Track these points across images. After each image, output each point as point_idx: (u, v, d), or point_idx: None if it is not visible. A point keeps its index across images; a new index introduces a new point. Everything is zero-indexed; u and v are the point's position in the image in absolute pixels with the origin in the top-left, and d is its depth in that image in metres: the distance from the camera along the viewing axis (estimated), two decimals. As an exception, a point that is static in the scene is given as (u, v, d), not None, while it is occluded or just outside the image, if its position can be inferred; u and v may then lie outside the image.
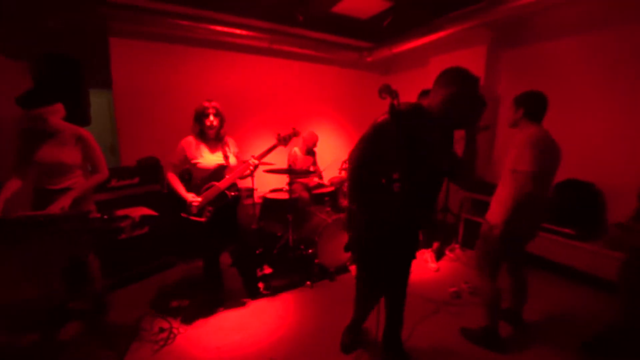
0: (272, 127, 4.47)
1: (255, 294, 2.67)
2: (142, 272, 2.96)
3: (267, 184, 3.91)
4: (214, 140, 2.30)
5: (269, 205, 3.62)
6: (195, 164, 2.23)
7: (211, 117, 2.21)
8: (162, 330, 2.22)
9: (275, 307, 2.56)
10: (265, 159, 2.44)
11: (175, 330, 2.22)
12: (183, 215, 2.24)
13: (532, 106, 1.94)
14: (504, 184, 1.98)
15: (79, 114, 2.42)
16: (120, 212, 1.84)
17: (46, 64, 2.34)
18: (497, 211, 1.95)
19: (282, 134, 2.42)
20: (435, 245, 3.53)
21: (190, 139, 2.25)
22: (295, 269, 3.00)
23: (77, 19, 3.08)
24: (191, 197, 2.21)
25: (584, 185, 2.98)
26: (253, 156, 2.33)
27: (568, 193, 2.98)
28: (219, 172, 2.28)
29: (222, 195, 2.27)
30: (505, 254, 2.05)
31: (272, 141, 2.44)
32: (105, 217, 1.77)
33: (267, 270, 3.06)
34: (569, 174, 3.02)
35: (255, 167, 2.33)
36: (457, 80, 1.45)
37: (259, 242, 3.31)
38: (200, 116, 2.22)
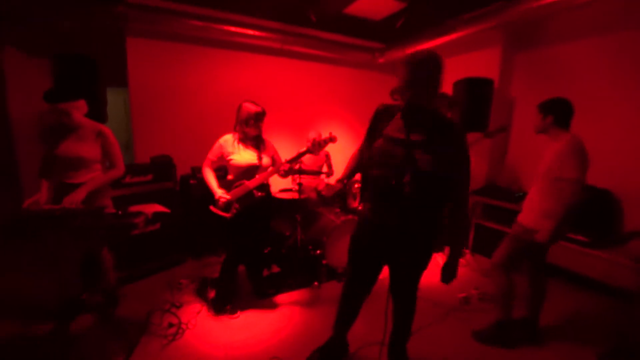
0: (283, 127, 4.49)
1: (262, 293, 2.70)
2: (153, 267, 3.02)
3: (276, 183, 3.93)
4: (252, 140, 2.36)
5: (278, 204, 3.64)
6: (229, 161, 2.31)
7: (260, 123, 2.31)
8: (171, 325, 2.26)
9: (282, 307, 2.58)
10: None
11: (184, 326, 2.26)
12: (211, 208, 2.31)
13: (563, 113, 1.97)
14: (543, 192, 1.99)
15: (96, 112, 2.48)
16: (134, 208, 1.89)
17: (64, 62, 2.41)
18: (533, 217, 2.00)
19: (317, 139, 2.37)
20: (447, 249, 3.49)
21: (229, 137, 2.33)
22: (303, 269, 3.00)
23: (95, 19, 3.16)
24: (220, 193, 2.27)
25: (599, 191, 2.90)
26: (286, 160, 2.38)
27: (583, 199, 2.90)
28: (250, 171, 2.33)
29: (249, 194, 2.32)
30: (531, 255, 2.09)
31: (288, 142, 2.48)
32: (120, 212, 1.82)
33: (275, 269, 3.08)
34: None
35: (289, 170, 2.38)
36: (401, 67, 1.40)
37: (267, 241, 3.33)
38: (254, 119, 2.27)
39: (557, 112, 1.97)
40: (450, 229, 1.56)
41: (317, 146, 2.33)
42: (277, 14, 3.81)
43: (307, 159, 3.85)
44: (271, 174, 2.36)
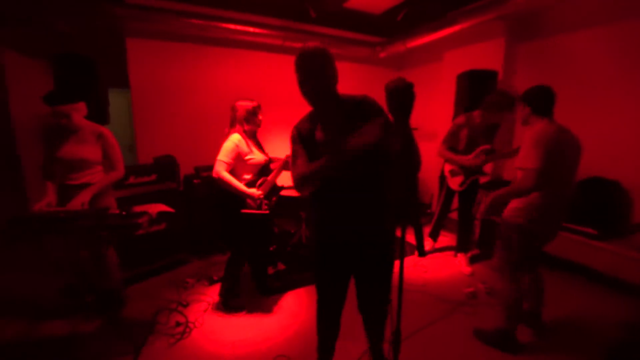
0: (286, 124, 4.46)
1: (268, 291, 2.70)
2: (158, 267, 3.03)
3: (280, 180, 3.93)
4: (253, 137, 2.40)
5: (282, 202, 3.63)
6: (247, 160, 2.29)
7: (260, 116, 2.35)
8: (178, 324, 2.26)
9: (288, 304, 2.58)
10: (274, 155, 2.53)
11: (190, 325, 2.26)
12: (245, 211, 2.26)
13: (538, 101, 1.90)
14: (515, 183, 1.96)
15: (98, 113, 2.48)
16: (138, 209, 1.89)
17: (63, 64, 2.41)
18: (507, 210, 1.97)
19: None
20: (472, 250, 3.40)
21: (239, 137, 2.28)
22: (308, 267, 3.00)
23: (94, 20, 3.15)
24: (256, 192, 2.27)
25: (607, 183, 2.85)
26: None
27: (591, 191, 2.86)
28: (266, 167, 2.39)
29: (274, 188, 2.39)
30: (525, 253, 2.00)
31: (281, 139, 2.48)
32: (124, 213, 1.82)
33: (281, 267, 3.08)
34: (592, 171, 2.90)
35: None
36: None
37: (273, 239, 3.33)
38: (252, 115, 2.31)
39: (533, 101, 1.91)
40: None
41: None
42: (277, 10, 3.79)
43: None
44: (283, 166, 2.38)
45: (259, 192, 2.29)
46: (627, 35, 2.82)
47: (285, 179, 3.79)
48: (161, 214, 2.03)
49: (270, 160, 2.45)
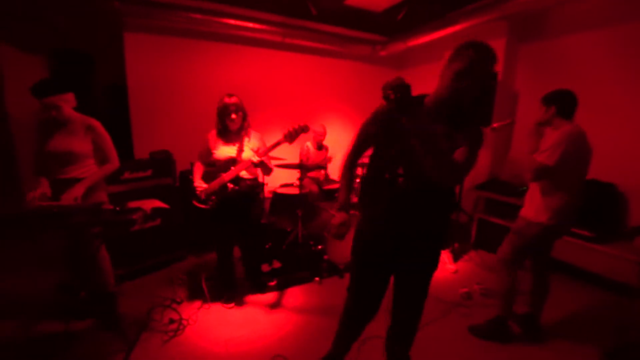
0: (284, 121, 4.43)
1: (263, 289, 2.69)
2: (153, 264, 3.01)
3: (278, 178, 3.90)
4: (234, 134, 2.34)
5: (279, 200, 3.62)
6: (213, 155, 2.36)
7: (233, 115, 2.26)
8: (171, 321, 2.25)
9: (283, 303, 2.56)
10: (274, 153, 2.39)
11: (184, 322, 2.25)
12: (193, 202, 2.37)
13: (565, 103, 1.95)
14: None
15: (91, 107, 2.45)
16: (133, 204, 1.86)
17: (59, 58, 2.37)
18: (532, 208, 2.01)
19: (290, 129, 2.23)
20: (456, 245, 3.45)
21: (214, 132, 2.39)
22: (304, 265, 2.99)
23: (91, 14, 3.11)
24: (197, 184, 2.34)
25: (603, 185, 2.86)
26: (256, 153, 2.28)
27: (587, 194, 2.86)
28: (228, 164, 2.33)
29: (224, 186, 2.33)
30: (534, 249, 2.10)
31: (279, 137, 2.33)
32: (118, 209, 1.79)
33: (276, 265, 3.06)
34: (589, 174, 2.90)
35: (260, 163, 2.27)
36: (464, 51, 1.25)
37: (268, 237, 3.31)
38: (223, 113, 2.27)
39: (560, 102, 1.95)
40: None
41: (288, 137, 2.22)
42: (278, 6, 3.75)
43: (312, 153, 3.83)
44: (243, 167, 2.28)
45: (200, 186, 2.33)
46: (625, 39, 2.82)
47: (282, 178, 3.78)
48: (156, 210, 2.00)
49: (235, 160, 2.29)
